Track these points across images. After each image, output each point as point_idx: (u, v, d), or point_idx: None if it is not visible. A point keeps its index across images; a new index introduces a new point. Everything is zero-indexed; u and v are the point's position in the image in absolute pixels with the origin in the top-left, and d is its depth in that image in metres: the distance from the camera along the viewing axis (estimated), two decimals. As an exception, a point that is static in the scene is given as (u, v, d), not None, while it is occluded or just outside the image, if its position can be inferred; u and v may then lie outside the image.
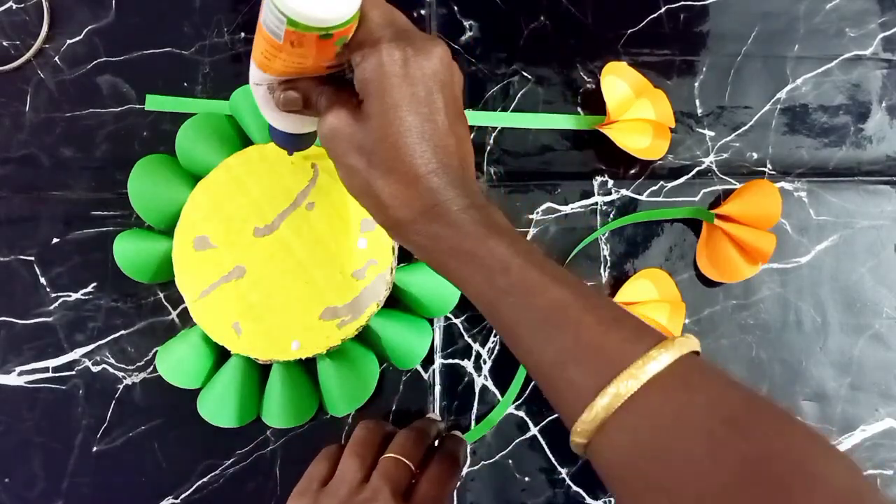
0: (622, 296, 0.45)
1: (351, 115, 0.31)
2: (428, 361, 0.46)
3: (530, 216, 0.47)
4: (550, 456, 0.45)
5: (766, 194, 0.45)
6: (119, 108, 0.47)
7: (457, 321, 0.46)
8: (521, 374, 0.45)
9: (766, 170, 0.48)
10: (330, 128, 0.32)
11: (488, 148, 0.47)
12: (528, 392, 0.46)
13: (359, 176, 0.31)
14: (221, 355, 0.43)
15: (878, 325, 0.47)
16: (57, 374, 0.46)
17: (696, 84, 0.48)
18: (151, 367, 0.45)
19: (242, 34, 0.47)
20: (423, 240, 0.31)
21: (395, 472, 0.37)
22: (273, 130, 0.36)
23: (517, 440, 0.46)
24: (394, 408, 0.46)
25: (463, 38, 0.48)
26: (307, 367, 0.44)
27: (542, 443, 0.46)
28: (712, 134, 0.48)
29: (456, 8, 0.48)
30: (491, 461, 0.45)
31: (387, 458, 0.38)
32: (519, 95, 0.48)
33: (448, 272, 0.31)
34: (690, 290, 0.47)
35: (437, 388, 0.46)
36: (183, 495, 0.45)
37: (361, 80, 0.31)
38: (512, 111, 0.48)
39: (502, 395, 0.46)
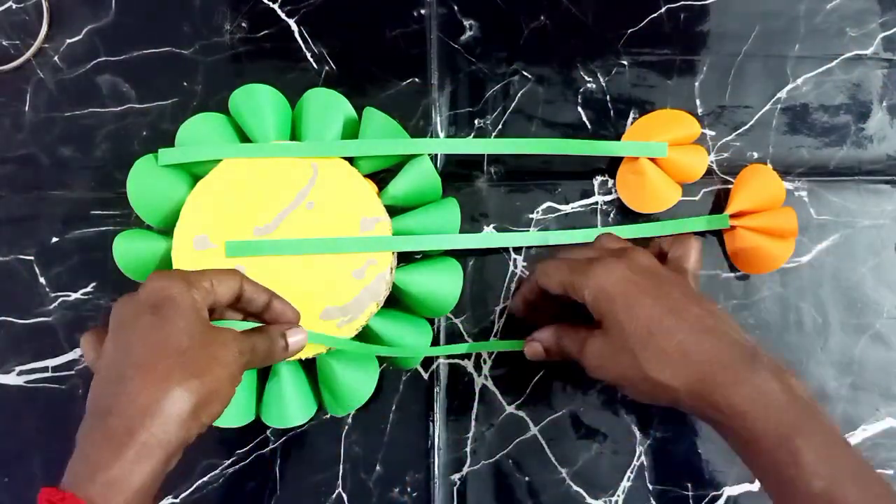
0: None
1: (599, 340, 0.36)
2: (428, 361, 0.46)
3: (531, 215, 0.47)
4: (550, 456, 0.45)
5: (762, 177, 0.46)
6: (119, 108, 0.47)
7: (457, 321, 0.46)
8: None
9: (766, 169, 0.48)
10: (592, 361, 0.36)
11: (488, 147, 0.47)
12: (528, 392, 0.46)
13: (634, 376, 0.34)
14: (221, 355, 0.43)
15: (879, 325, 0.47)
16: (56, 374, 0.45)
17: (697, 83, 0.48)
18: (151, 366, 0.45)
19: (242, 34, 0.47)
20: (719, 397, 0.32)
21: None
22: None
23: (517, 440, 0.46)
24: (394, 408, 0.46)
25: (463, 37, 0.48)
26: (307, 367, 0.44)
27: (543, 442, 0.45)
28: (713, 133, 0.48)
29: (456, 7, 0.48)
30: (491, 461, 0.45)
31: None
32: (519, 95, 0.48)
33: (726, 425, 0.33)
34: (691, 289, 0.47)
35: (437, 388, 0.46)
36: (183, 495, 0.45)
37: (592, 304, 0.35)
38: (512, 111, 0.48)
39: (502, 395, 0.46)
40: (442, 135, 0.47)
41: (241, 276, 0.36)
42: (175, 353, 0.31)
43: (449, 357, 0.46)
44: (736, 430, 0.32)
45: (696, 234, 0.47)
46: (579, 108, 0.48)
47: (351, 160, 0.44)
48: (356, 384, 0.43)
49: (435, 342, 0.45)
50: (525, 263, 0.47)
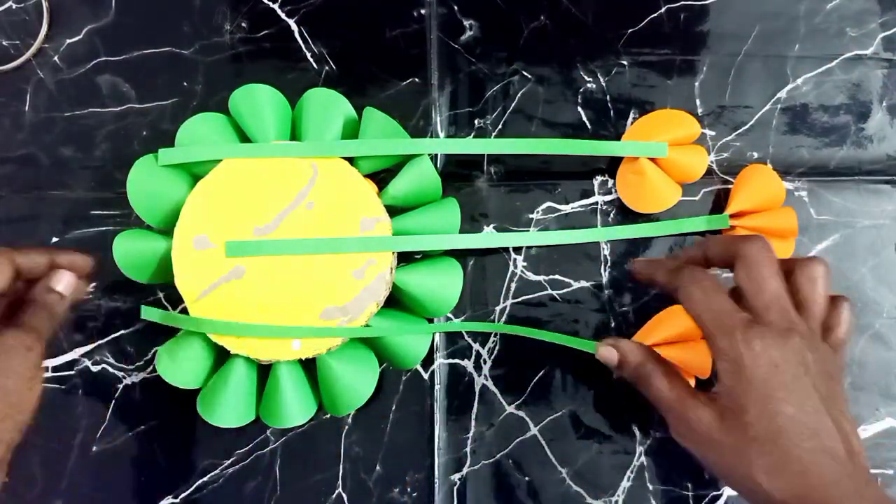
0: (649, 336, 0.44)
1: (710, 414, 0.33)
2: (428, 361, 0.46)
3: (530, 215, 0.47)
4: (551, 456, 0.45)
5: (762, 177, 0.46)
6: (119, 108, 0.47)
7: (456, 321, 0.46)
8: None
9: (766, 169, 0.48)
10: (689, 431, 0.34)
11: (488, 147, 0.47)
12: (528, 392, 0.46)
13: (735, 469, 0.32)
14: (221, 355, 0.43)
15: (879, 325, 0.47)
16: (56, 374, 0.45)
17: (697, 84, 0.48)
18: (151, 367, 0.45)
19: (242, 34, 0.47)
20: None
21: None
22: None
23: (517, 440, 0.46)
24: (394, 408, 0.46)
25: (463, 37, 0.48)
26: (307, 367, 0.44)
27: (543, 442, 0.45)
28: (713, 133, 0.48)
29: (456, 7, 0.48)
30: (491, 461, 0.45)
31: None
32: (519, 95, 0.48)
33: None
34: (691, 289, 0.47)
35: (437, 388, 0.46)
36: (183, 495, 0.45)
37: (724, 374, 0.32)
38: (512, 111, 0.48)
39: (502, 395, 0.46)
40: (442, 135, 0.47)
41: (10, 253, 0.34)
42: None
43: (449, 357, 0.46)
44: None
45: (696, 233, 0.47)
46: (579, 108, 0.48)
47: (351, 160, 0.44)
48: (356, 384, 0.43)
49: (434, 342, 0.45)
50: (525, 263, 0.47)
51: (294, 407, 0.43)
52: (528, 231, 0.47)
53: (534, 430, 0.46)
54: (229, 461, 0.45)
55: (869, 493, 0.31)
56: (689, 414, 0.34)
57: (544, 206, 0.47)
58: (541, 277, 0.47)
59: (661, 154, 0.45)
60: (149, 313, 0.44)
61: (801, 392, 0.31)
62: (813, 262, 0.35)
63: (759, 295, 0.33)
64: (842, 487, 0.30)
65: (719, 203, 0.47)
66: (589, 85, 0.48)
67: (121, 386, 0.46)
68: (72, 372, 0.46)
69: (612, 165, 0.47)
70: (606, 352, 0.38)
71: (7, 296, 0.35)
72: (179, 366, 0.42)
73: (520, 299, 0.47)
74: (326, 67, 0.47)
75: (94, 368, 0.46)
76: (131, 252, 0.43)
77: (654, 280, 0.38)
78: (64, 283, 0.36)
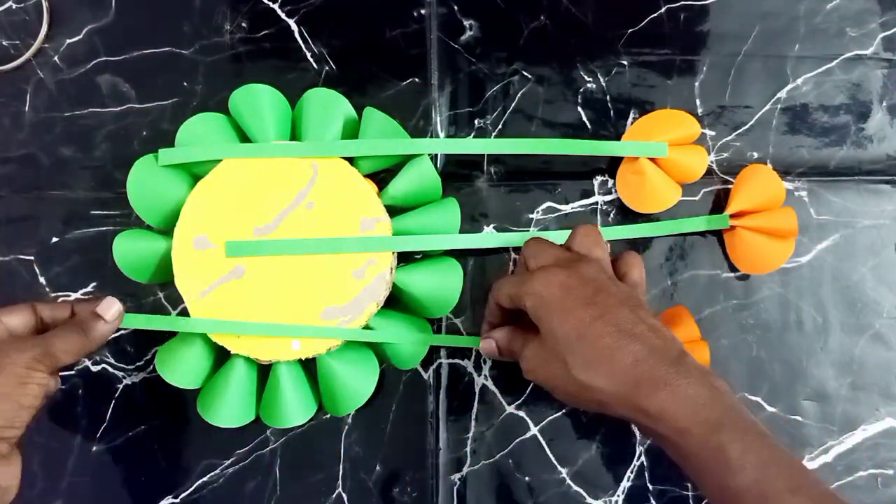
0: None
1: (536, 344, 0.37)
2: (428, 361, 0.46)
3: (531, 215, 0.47)
4: (550, 455, 0.45)
5: (762, 177, 0.46)
6: (119, 108, 0.47)
7: (457, 321, 0.46)
8: None
9: (766, 169, 0.48)
10: (527, 364, 0.38)
11: (488, 147, 0.47)
12: (528, 392, 0.46)
13: (563, 379, 0.35)
14: (221, 355, 0.43)
15: (879, 325, 0.47)
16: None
17: (697, 84, 0.48)
18: (151, 366, 0.45)
19: (242, 34, 0.47)
20: (654, 410, 0.33)
21: None
22: None
23: (517, 440, 0.46)
24: (394, 408, 0.46)
25: (463, 37, 0.48)
26: (307, 367, 0.44)
27: (543, 442, 0.45)
28: (713, 133, 0.48)
29: (456, 7, 0.48)
30: (491, 461, 0.45)
31: None
32: (519, 95, 0.48)
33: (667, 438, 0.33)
34: (690, 289, 0.47)
35: (438, 388, 0.46)
36: (183, 495, 0.45)
37: (531, 311, 0.36)
38: (512, 111, 0.48)
39: (502, 395, 0.46)
40: (442, 135, 0.47)
41: (32, 304, 0.39)
42: None
43: (450, 357, 0.46)
44: (663, 434, 0.33)
45: (696, 233, 0.47)
46: (579, 108, 0.48)
47: (351, 160, 0.44)
48: (356, 384, 0.43)
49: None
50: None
51: (294, 407, 0.43)
52: (528, 231, 0.47)
53: (534, 430, 0.46)
54: (229, 461, 0.45)
55: (686, 360, 0.34)
56: (527, 352, 0.38)
57: (544, 206, 0.47)
58: (541, 277, 0.47)
59: (661, 154, 0.45)
60: (131, 321, 0.43)
61: (595, 297, 0.35)
62: (580, 229, 0.40)
63: (541, 258, 0.38)
64: (655, 358, 0.33)
65: (719, 203, 0.47)
66: (589, 85, 0.48)
67: (121, 386, 0.46)
68: (72, 372, 0.46)
69: (612, 165, 0.47)
70: (486, 344, 0.41)
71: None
72: (179, 366, 0.42)
73: (520, 299, 0.47)
74: (326, 67, 0.47)
75: (94, 368, 0.46)
76: (131, 252, 0.43)
77: (492, 323, 0.42)
78: (111, 311, 0.40)
